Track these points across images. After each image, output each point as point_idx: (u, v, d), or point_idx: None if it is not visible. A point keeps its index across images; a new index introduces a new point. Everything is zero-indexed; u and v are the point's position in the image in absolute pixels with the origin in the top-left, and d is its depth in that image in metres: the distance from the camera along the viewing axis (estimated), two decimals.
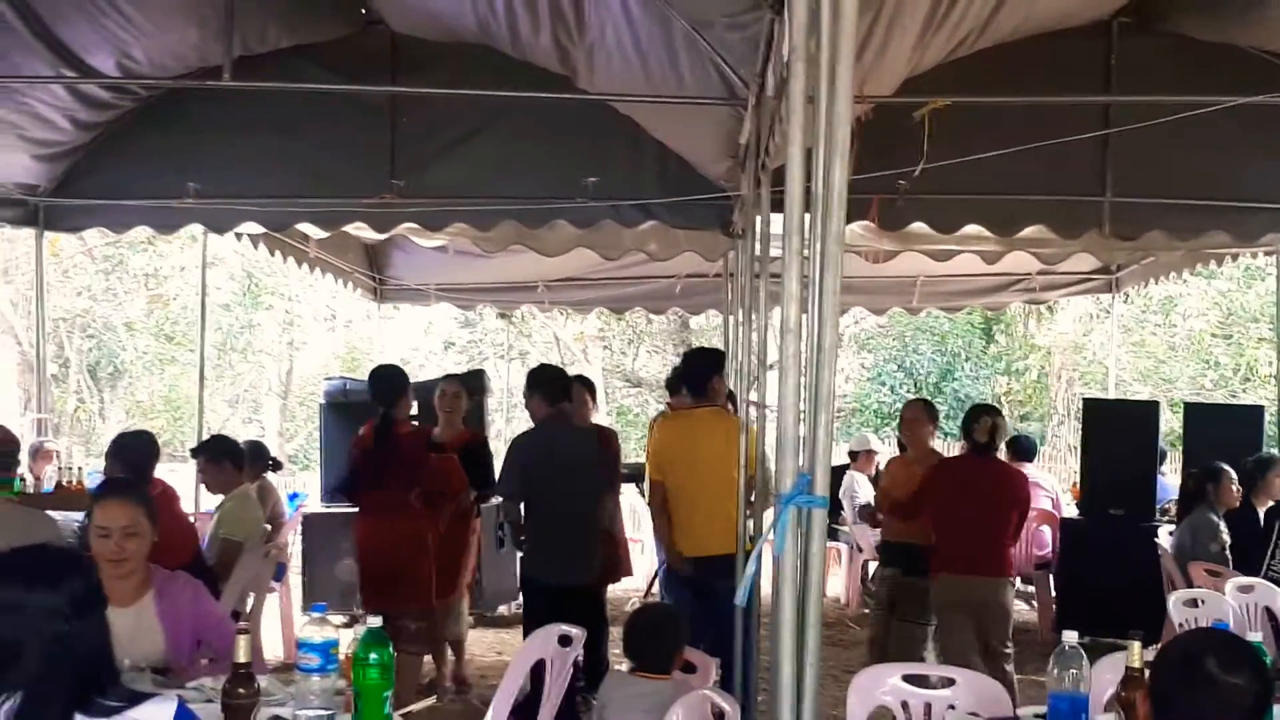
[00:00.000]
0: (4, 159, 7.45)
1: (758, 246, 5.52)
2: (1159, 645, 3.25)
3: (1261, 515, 7.42)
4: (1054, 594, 9.22)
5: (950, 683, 4.06)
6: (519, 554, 9.23)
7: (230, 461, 6.68)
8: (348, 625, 7.74)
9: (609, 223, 7.59)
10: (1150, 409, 9.56)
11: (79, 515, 6.25)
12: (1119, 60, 7.03)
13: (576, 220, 7.55)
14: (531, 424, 6.73)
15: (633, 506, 10.57)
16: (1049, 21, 6.81)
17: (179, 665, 3.90)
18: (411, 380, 7.01)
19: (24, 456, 7.92)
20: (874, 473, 10.34)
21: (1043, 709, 3.50)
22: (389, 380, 6.74)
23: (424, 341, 23.51)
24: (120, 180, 7.71)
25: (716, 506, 5.97)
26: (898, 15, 5.17)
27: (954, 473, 6.82)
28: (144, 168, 7.64)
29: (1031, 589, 9.55)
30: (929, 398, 21.34)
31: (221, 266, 19.95)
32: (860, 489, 10.26)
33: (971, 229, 7.46)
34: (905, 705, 4.03)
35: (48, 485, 8.10)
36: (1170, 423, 14.39)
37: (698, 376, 6.71)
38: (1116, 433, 8.84)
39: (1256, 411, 9.80)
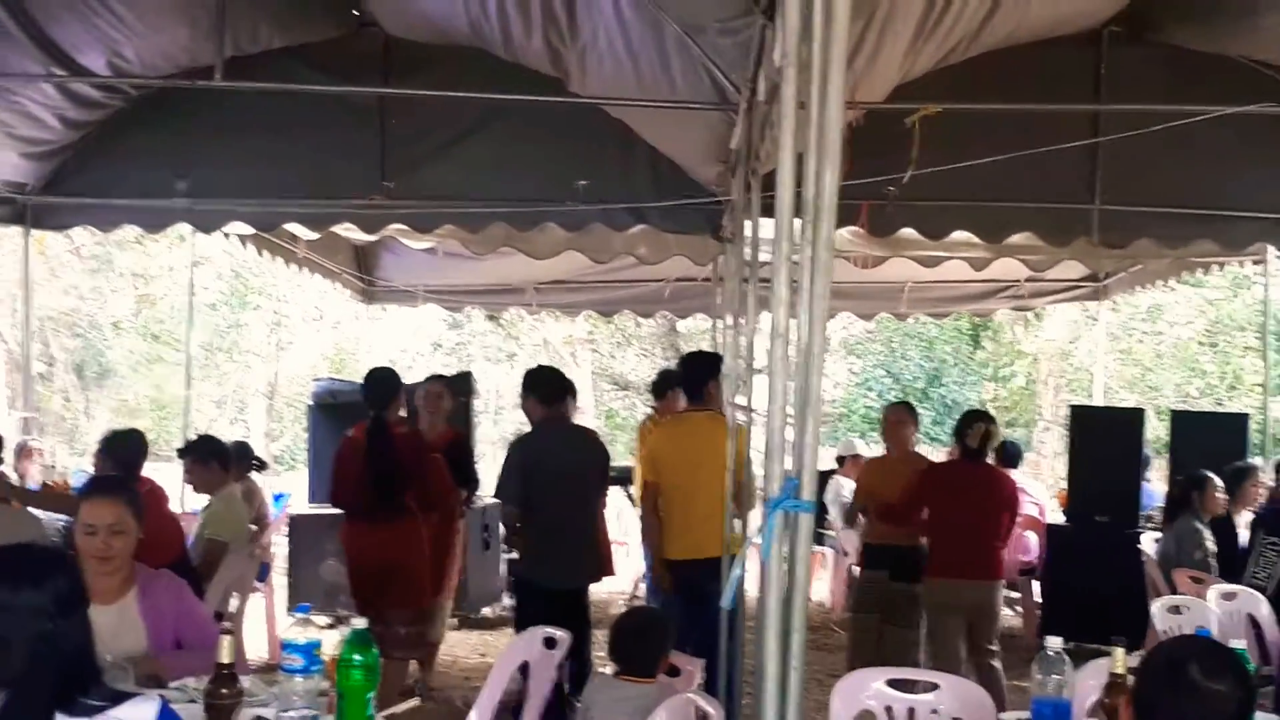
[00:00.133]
0: None
1: (747, 251, 5.53)
2: (1142, 651, 3.26)
3: (1238, 523, 7.49)
4: (1038, 600, 9.23)
5: (934, 687, 4.06)
6: (503, 556, 9.28)
7: (216, 462, 6.67)
8: (332, 626, 7.72)
9: (599, 226, 7.60)
10: (1136, 416, 9.58)
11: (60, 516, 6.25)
12: (1109, 69, 7.06)
13: (566, 223, 7.55)
14: (528, 426, 6.73)
15: (618, 509, 10.57)
16: (1040, 30, 6.83)
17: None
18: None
19: (9, 455, 7.90)
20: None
21: (1026, 714, 3.51)
22: (384, 383, 6.69)
23: (412, 343, 23.44)
24: (109, 179, 7.69)
25: (711, 510, 5.96)
26: (889, 22, 5.19)
27: (946, 477, 6.87)
28: (133, 166, 7.63)
29: (1016, 594, 9.56)
30: (915, 402, 21.50)
31: (209, 266, 19.88)
32: (847, 494, 10.26)
33: (960, 235, 7.49)
34: (889, 710, 4.04)
35: (33, 484, 8.09)
36: (1156, 430, 14.42)
37: (695, 380, 6.70)
38: (1103, 440, 8.87)
39: (1241, 420, 9.83)
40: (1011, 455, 10.04)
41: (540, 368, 7.26)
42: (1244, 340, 20.45)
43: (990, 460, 7.11)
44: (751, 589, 4.74)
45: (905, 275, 10.34)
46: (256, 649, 7.91)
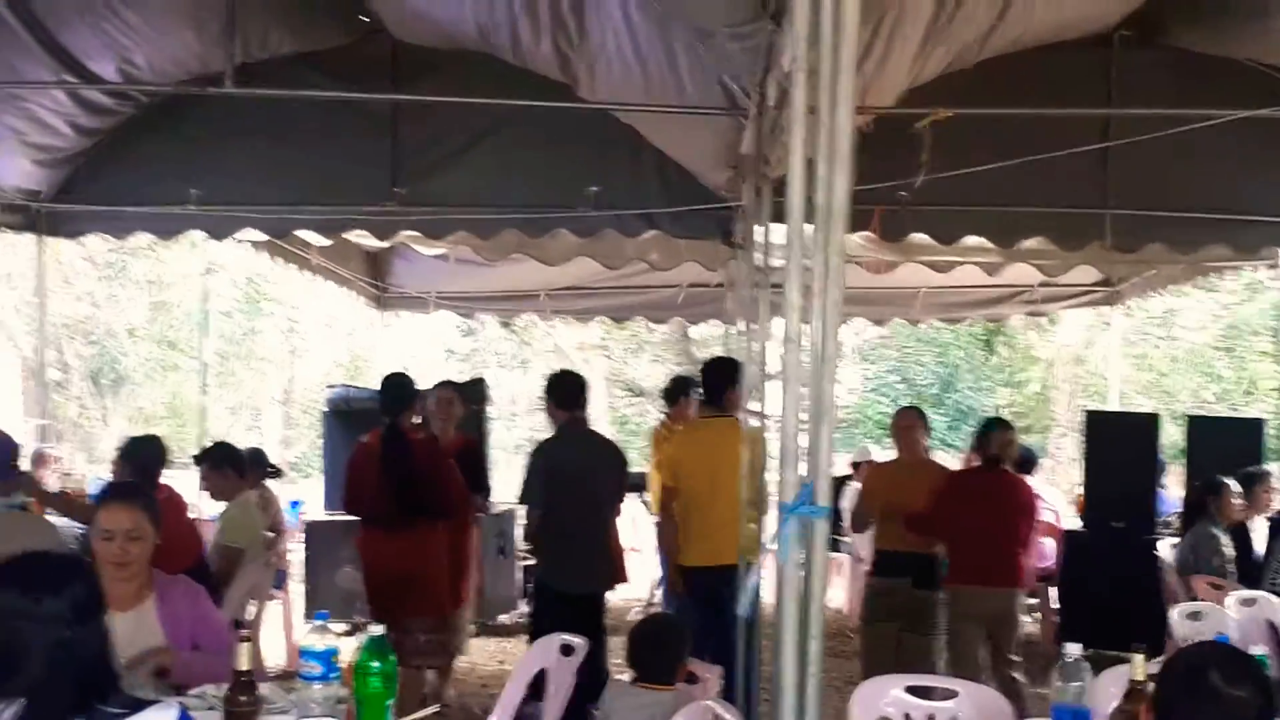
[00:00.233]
0: (5, 164, 7.45)
1: (759, 257, 5.52)
2: (1161, 658, 3.25)
3: (1256, 529, 7.47)
4: (1056, 606, 9.20)
5: (953, 694, 4.05)
6: (519, 562, 9.28)
7: (232, 469, 6.68)
8: (349, 633, 7.73)
9: (610, 232, 7.60)
10: (1151, 421, 9.56)
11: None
12: (1119, 73, 7.04)
13: (578, 229, 7.55)
14: (543, 432, 6.75)
15: (633, 515, 10.56)
16: (1049, 34, 6.82)
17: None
18: None
19: (26, 463, 7.92)
20: None
21: None
22: (399, 389, 6.65)
23: (425, 349, 23.47)
24: (121, 186, 7.70)
25: (730, 516, 5.95)
26: (899, 27, 5.19)
27: (968, 485, 6.89)
28: (145, 173, 7.64)
29: (1034, 601, 9.53)
30: (931, 409, 21.45)
31: (223, 273, 19.93)
32: None
33: (972, 240, 7.47)
34: (908, 717, 4.03)
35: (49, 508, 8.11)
36: (1172, 435, 14.37)
37: (715, 387, 6.70)
38: (1118, 445, 8.84)
39: (1258, 425, 9.80)
40: (1027, 461, 10.00)
41: (562, 372, 7.24)
42: (1259, 345, 20.39)
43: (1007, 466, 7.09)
44: (769, 596, 4.73)
45: (918, 280, 10.31)
46: (274, 656, 7.92)
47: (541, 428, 7.89)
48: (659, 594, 9.27)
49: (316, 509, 10.17)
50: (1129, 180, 7.12)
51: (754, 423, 5.79)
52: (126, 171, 7.70)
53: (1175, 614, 5.76)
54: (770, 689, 2.79)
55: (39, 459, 8.64)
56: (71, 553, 4.24)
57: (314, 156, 7.54)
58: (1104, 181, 7.16)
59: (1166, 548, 8.24)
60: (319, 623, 3.39)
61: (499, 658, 8.77)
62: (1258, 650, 3.26)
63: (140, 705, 2.45)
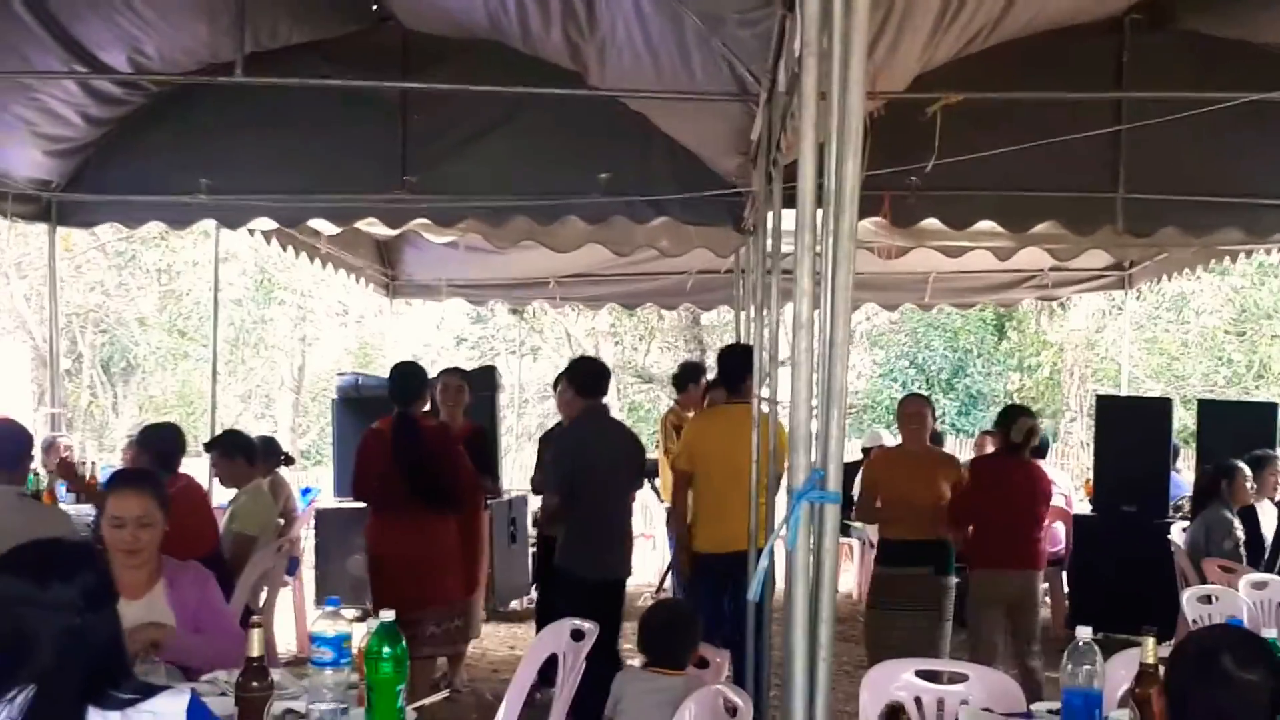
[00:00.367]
0: (16, 154, 7.48)
1: (769, 242, 5.51)
2: (1173, 642, 3.25)
3: (1263, 511, 7.48)
4: (1067, 590, 9.20)
5: (964, 679, 4.05)
6: (531, 549, 9.29)
7: (243, 456, 6.70)
8: (361, 619, 7.75)
9: (620, 219, 7.60)
10: (1163, 406, 9.54)
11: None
12: (1131, 56, 7.01)
13: (588, 216, 7.55)
14: (555, 417, 6.74)
15: (644, 503, 10.58)
16: (1061, 18, 6.79)
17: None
18: None
19: (37, 451, 7.95)
20: None
21: (1057, 705, 3.50)
22: (410, 378, 6.58)
23: (436, 337, 23.52)
24: (132, 176, 7.73)
25: (747, 503, 5.94)
26: (909, 11, 5.16)
27: (994, 472, 6.87)
28: (156, 163, 7.67)
29: (1044, 585, 9.53)
30: (942, 394, 21.45)
31: (234, 262, 19.96)
32: None
33: (984, 225, 7.46)
34: (919, 701, 4.03)
35: (61, 480, 8.14)
36: (1183, 419, 14.34)
37: (733, 373, 6.68)
38: (1129, 429, 8.83)
39: (1270, 408, 9.77)
40: (1039, 446, 10.00)
41: (584, 359, 7.25)
42: (1271, 328, 20.33)
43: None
44: (780, 580, 4.73)
45: (929, 266, 10.28)
46: (286, 642, 7.95)
47: (552, 414, 7.88)
48: (669, 580, 9.28)
49: (327, 496, 10.19)
50: (1141, 164, 7.09)
51: (765, 409, 5.78)
52: (137, 161, 7.72)
53: (1187, 597, 5.76)
54: (781, 673, 2.79)
55: (50, 447, 8.67)
56: (83, 540, 4.25)
57: (324, 145, 7.55)
58: (1116, 165, 7.13)
59: (1178, 531, 8.23)
60: (330, 609, 3.39)
61: (510, 643, 8.79)
62: (1270, 633, 3.26)
63: (152, 691, 2.46)
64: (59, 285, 9.38)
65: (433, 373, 7.39)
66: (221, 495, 6.97)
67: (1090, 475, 9.85)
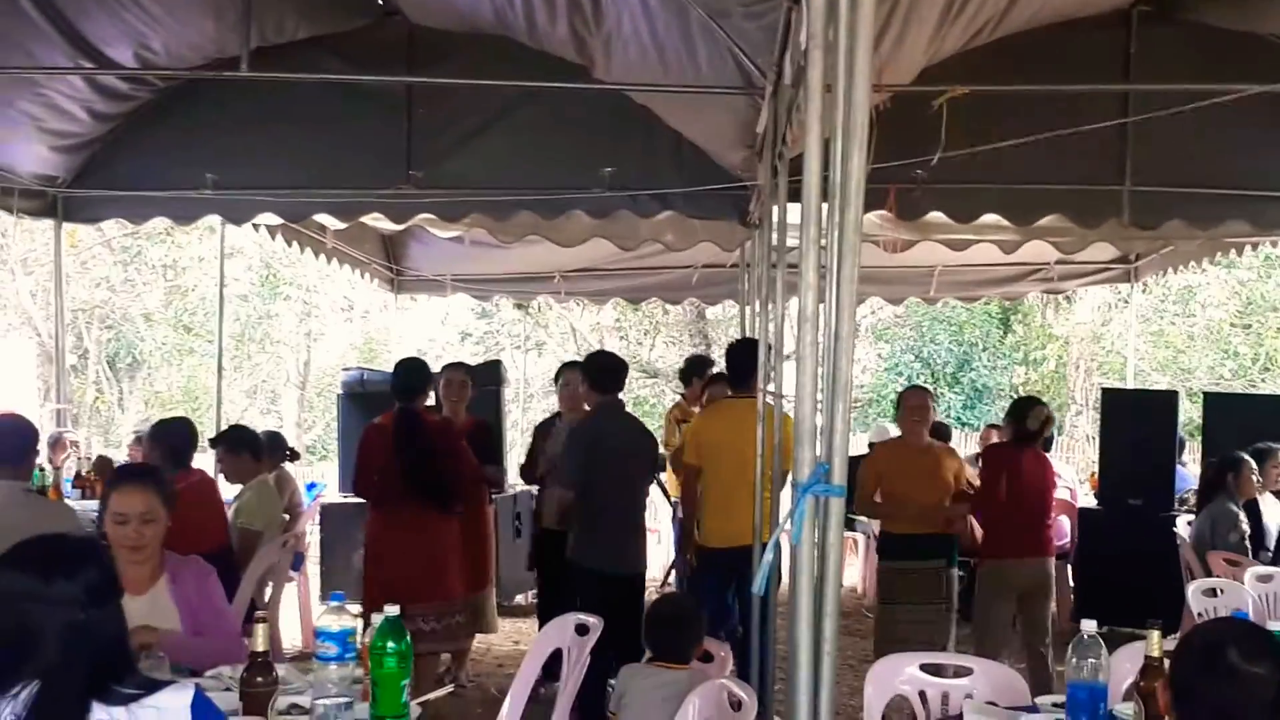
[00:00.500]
0: (23, 150, 7.48)
1: (775, 236, 5.51)
2: (1178, 635, 3.24)
3: (1265, 504, 7.48)
4: (1072, 584, 9.19)
5: (968, 672, 4.05)
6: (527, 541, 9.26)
7: (248, 451, 6.69)
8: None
9: (625, 213, 7.59)
10: (1169, 399, 9.52)
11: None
12: (1138, 48, 6.98)
13: (593, 210, 7.55)
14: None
15: (650, 497, 10.57)
16: (1068, 10, 6.78)
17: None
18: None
19: (43, 447, 7.96)
20: None
21: (1061, 698, 3.49)
22: (413, 374, 6.56)
23: (441, 332, 23.53)
24: (138, 171, 7.74)
25: (754, 497, 5.92)
26: (915, 4, 5.15)
27: (1007, 461, 6.87)
28: (162, 159, 7.67)
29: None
30: (947, 387, 21.43)
31: (240, 257, 19.99)
32: None
33: (989, 218, 7.44)
34: (923, 694, 4.03)
35: (67, 475, 8.16)
36: (1189, 412, 14.33)
37: (741, 368, 6.67)
38: (1135, 422, 8.83)
39: (1276, 401, 9.76)
40: (1047, 439, 9.99)
41: (600, 353, 7.22)
42: (1277, 321, 20.30)
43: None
44: (785, 574, 4.72)
45: (934, 259, 10.29)
46: (291, 637, 7.96)
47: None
48: (673, 575, 9.27)
49: (333, 491, 10.20)
50: (1147, 157, 7.07)
51: (771, 402, 5.77)
52: (143, 157, 7.73)
53: (1192, 590, 5.75)
54: (785, 667, 2.79)
55: (57, 443, 8.68)
56: (87, 536, 4.24)
57: (330, 140, 7.56)
58: (1122, 158, 7.11)
59: (1183, 524, 8.22)
60: (335, 604, 3.40)
61: (514, 638, 8.80)
62: (1275, 626, 3.25)
63: (156, 686, 2.46)
64: (65, 281, 9.41)
65: (436, 368, 7.39)
66: (227, 490, 6.97)
67: (1096, 468, 9.83)
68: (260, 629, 3.13)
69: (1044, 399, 9.19)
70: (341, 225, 8.27)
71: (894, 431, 11.03)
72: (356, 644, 3.33)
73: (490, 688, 7.34)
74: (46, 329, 17.77)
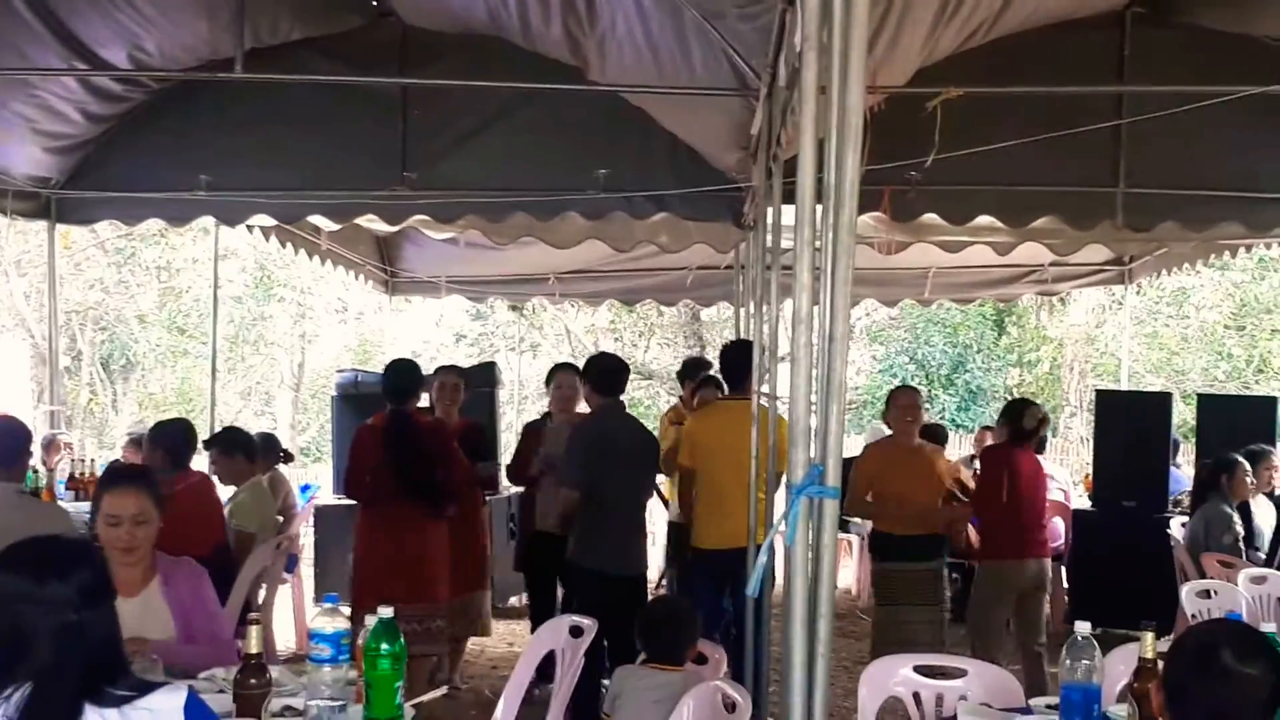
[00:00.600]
0: (16, 151, 7.47)
1: (769, 238, 5.51)
2: (1172, 636, 3.24)
3: (1257, 505, 7.50)
4: (1066, 585, 9.20)
5: (962, 673, 4.05)
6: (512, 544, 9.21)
7: (242, 453, 6.69)
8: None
9: (620, 214, 7.59)
10: (1163, 400, 9.53)
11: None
12: (1132, 50, 7.00)
13: (587, 212, 7.55)
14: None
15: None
16: (1062, 12, 6.79)
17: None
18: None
19: (36, 449, 7.95)
20: None
21: (1055, 700, 3.49)
22: (404, 375, 6.53)
23: (435, 334, 23.53)
24: (132, 172, 7.73)
25: (748, 497, 5.91)
26: (910, 5, 5.16)
27: (1005, 462, 6.88)
28: (155, 160, 7.66)
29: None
30: (942, 389, 21.45)
31: (233, 259, 19.96)
32: None
33: (984, 220, 7.45)
34: (917, 696, 4.03)
35: (60, 477, 8.14)
36: (1183, 414, 14.34)
37: (736, 369, 6.66)
38: (1129, 424, 8.83)
39: (1270, 403, 9.76)
40: (1040, 441, 9.99)
41: (600, 355, 7.20)
42: (1271, 323, 20.34)
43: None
44: (779, 576, 4.72)
45: (928, 261, 10.29)
46: (285, 639, 7.95)
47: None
48: (666, 577, 9.24)
49: (326, 493, 10.19)
50: (1141, 158, 7.08)
51: (765, 404, 5.77)
52: (137, 158, 7.73)
53: (1186, 592, 5.76)
54: (780, 669, 2.78)
55: (51, 445, 8.67)
56: (81, 537, 4.24)
57: (324, 141, 7.55)
58: (1116, 160, 7.13)
59: (1177, 526, 8.23)
60: (329, 605, 3.39)
61: (509, 640, 8.79)
62: (1269, 628, 3.25)
63: (149, 688, 2.46)
64: (58, 283, 9.38)
65: (431, 370, 7.37)
66: (221, 492, 6.96)
67: (1090, 470, 9.84)
68: (254, 631, 3.12)
69: (1038, 400, 9.20)
70: (336, 227, 8.26)
71: (887, 433, 11.04)
72: (350, 645, 3.32)
73: (484, 689, 7.33)
74: (40, 330, 17.75)
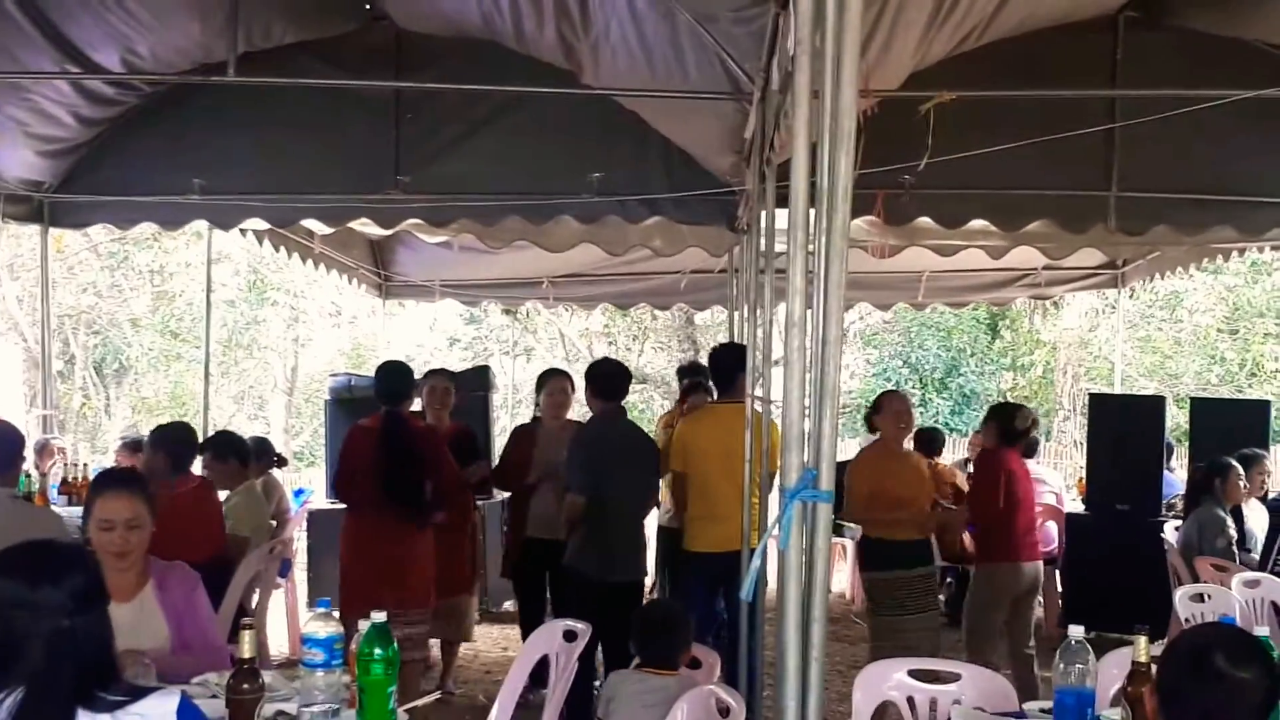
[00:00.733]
0: (9, 155, 7.46)
1: (763, 241, 5.51)
2: (1165, 640, 3.24)
3: (1250, 509, 7.51)
4: (1060, 589, 9.21)
5: (956, 678, 4.05)
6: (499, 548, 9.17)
7: (235, 458, 6.69)
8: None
9: (614, 218, 7.59)
10: (1156, 404, 9.54)
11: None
12: (1125, 54, 7.01)
13: (581, 216, 7.54)
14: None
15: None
16: (1055, 15, 6.79)
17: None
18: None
19: (29, 453, 7.93)
20: None
21: (1049, 704, 3.49)
22: (398, 377, 6.51)
23: (429, 338, 23.51)
24: (125, 176, 7.72)
25: (740, 502, 5.90)
26: (903, 9, 5.16)
27: (1000, 466, 6.89)
28: (149, 164, 7.65)
29: None
30: (936, 393, 21.47)
31: (227, 263, 19.94)
32: None
33: (977, 224, 7.45)
34: (911, 700, 4.03)
35: (54, 482, 8.12)
36: (1176, 418, 14.37)
37: (726, 372, 6.65)
38: (1122, 428, 8.84)
39: (1263, 407, 9.78)
40: (1030, 446, 10.00)
41: (604, 361, 7.17)
42: (1263, 327, 20.37)
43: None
44: (773, 580, 4.72)
45: (922, 265, 10.29)
46: (278, 644, 7.93)
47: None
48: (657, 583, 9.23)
49: (320, 497, 10.17)
50: (1135, 162, 7.09)
51: (759, 408, 5.77)
52: (130, 162, 7.71)
53: (1179, 596, 5.76)
54: (774, 673, 2.78)
55: (44, 449, 8.65)
56: (74, 542, 4.22)
57: (317, 145, 7.54)
58: (1109, 164, 7.13)
59: (1171, 530, 8.24)
60: (322, 610, 3.38)
61: (502, 644, 8.78)
62: (1262, 631, 3.26)
63: (141, 693, 2.45)
64: (51, 287, 9.36)
65: (422, 373, 7.36)
66: None
67: (1083, 474, 9.85)
68: (247, 635, 3.11)
69: (1031, 404, 9.21)
70: (329, 230, 8.25)
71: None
72: (344, 650, 3.32)
73: (478, 695, 7.33)
74: (33, 335, 17.70)
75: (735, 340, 7.53)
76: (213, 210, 7.64)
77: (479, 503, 8.12)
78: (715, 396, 7.22)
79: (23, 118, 7.12)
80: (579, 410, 8.05)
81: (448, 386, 7.39)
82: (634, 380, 7.69)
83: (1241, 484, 7.45)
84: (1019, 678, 6.48)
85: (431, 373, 7.61)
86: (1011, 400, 7.65)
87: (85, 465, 8.56)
